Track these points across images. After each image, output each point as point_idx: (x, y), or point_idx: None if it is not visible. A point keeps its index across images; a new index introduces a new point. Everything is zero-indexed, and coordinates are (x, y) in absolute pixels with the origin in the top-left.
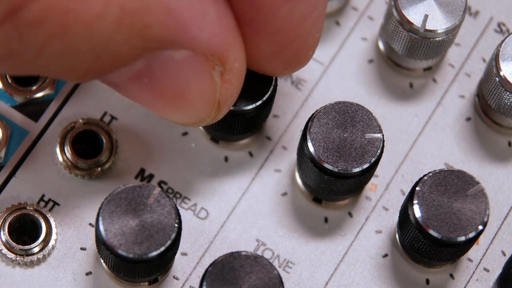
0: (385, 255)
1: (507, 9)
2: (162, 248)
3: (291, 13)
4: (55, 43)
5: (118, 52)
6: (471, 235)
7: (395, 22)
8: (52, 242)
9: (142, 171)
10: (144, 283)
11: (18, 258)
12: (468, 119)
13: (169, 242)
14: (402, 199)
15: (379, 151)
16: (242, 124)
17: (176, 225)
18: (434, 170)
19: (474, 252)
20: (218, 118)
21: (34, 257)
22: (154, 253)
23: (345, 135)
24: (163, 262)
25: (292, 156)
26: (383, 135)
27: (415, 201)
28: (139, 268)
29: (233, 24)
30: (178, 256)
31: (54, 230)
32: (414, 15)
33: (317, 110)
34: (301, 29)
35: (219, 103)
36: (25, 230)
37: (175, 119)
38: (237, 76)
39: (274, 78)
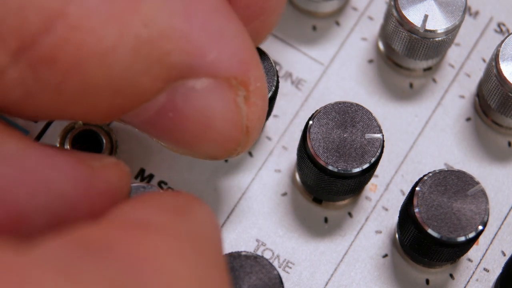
0: (385, 255)
1: (507, 9)
2: None
3: None
4: (72, 79)
5: (138, 84)
6: (471, 235)
7: (395, 22)
8: None
9: (142, 171)
10: None
11: None
12: (468, 119)
13: None
14: (402, 199)
15: (379, 151)
16: None
17: None
18: (434, 170)
19: (474, 252)
20: (248, 145)
21: None
22: None
23: (345, 135)
24: None
25: (292, 156)
26: (383, 135)
27: (415, 201)
28: None
29: (248, 40)
30: None
31: None
32: (414, 15)
33: (317, 110)
34: (269, 5)
35: (247, 128)
36: None
37: (204, 152)
38: (260, 96)
39: (276, 78)
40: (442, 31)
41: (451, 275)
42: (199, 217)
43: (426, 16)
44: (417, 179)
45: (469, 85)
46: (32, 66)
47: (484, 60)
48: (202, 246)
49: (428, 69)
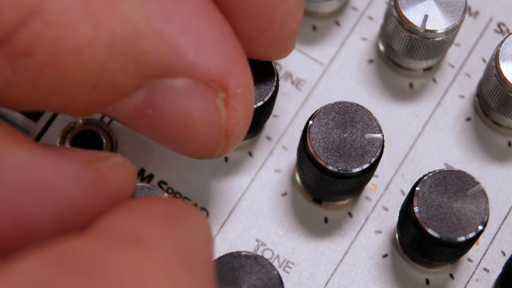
0: (385, 255)
1: (507, 9)
2: None
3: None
4: (48, 72)
5: (115, 81)
6: (471, 235)
7: (395, 22)
8: None
9: (142, 171)
10: None
11: None
12: (468, 119)
13: None
14: (402, 199)
15: (379, 151)
16: None
17: None
18: (434, 170)
19: (474, 252)
20: (228, 149)
21: None
22: None
23: (345, 135)
24: None
25: (292, 156)
26: (383, 135)
27: (415, 201)
28: None
29: (233, 47)
30: None
31: None
32: (414, 15)
33: (317, 110)
34: (275, 16)
35: (226, 132)
36: None
37: (183, 151)
38: (241, 102)
39: (276, 78)
40: (442, 31)
41: (451, 275)
42: (191, 229)
43: (426, 16)
44: (417, 179)
45: (469, 85)
46: (9, 58)
47: (484, 60)
48: (192, 261)
49: (428, 69)
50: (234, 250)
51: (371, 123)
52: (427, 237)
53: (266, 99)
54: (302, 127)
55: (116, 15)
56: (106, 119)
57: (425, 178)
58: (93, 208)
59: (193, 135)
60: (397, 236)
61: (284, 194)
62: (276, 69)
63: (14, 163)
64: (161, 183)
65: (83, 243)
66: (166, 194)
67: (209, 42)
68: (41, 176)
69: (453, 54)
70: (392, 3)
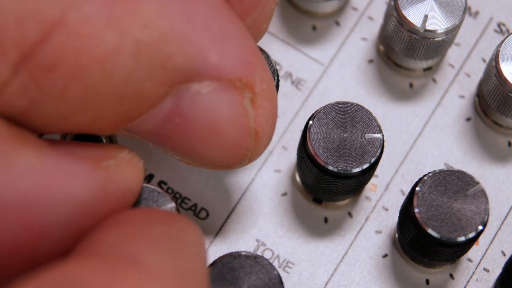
0: (385, 255)
1: (507, 9)
2: None
3: None
4: (74, 86)
5: (142, 90)
6: (471, 235)
7: (395, 22)
8: None
9: None
10: None
11: None
12: (468, 119)
13: None
14: (402, 199)
15: (379, 151)
16: None
17: None
18: (434, 170)
19: (474, 252)
20: (259, 151)
21: None
22: None
23: (345, 135)
24: None
25: (292, 156)
26: (383, 135)
27: (415, 201)
28: None
29: (251, 40)
30: None
31: None
32: (414, 15)
33: (317, 110)
34: None
35: (256, 132)
36: None
37: (214, 161)
38: (268, 98)
39: (275, 78)
40: (442, 31)
41: (451, 275)
42: (189, 250)
43: (426, 16)
44: (417, 179)
45: (469, 85)
46: (33, 75)
47: (484, 60)
48: (189, 284)
49: (428, 69)
50: (234, 250)
51: (371, 123)
52: (427, 237)
53: None
54: (302, 127)
55: (139, 20)
56: None
57: (425, 178)
58: (102, 210)
59: (222, 142)
60: (397, 236)
61: (284, 194)
62: (276, 69)
63: (23, 167)
64: (161, 183)
65: (81, 268)
66: (173, 204)
67: (231, 38)
68: (51, 180)
69: (453, 54)
70: (392, 3)
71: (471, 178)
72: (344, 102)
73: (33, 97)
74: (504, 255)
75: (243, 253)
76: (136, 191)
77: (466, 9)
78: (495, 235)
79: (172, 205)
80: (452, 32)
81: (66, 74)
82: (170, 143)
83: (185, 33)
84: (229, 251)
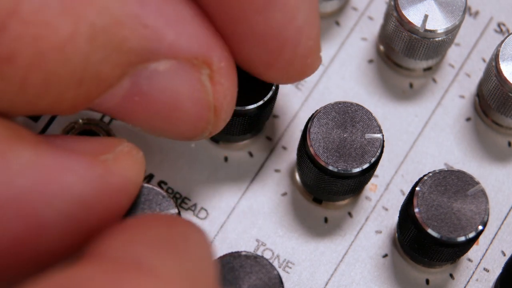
0: (385, 255)
1: (507, 9)
2: None
3: (267, 22)
4: (34, 74)
5: (100, 72)
6: (471, 235)
7: (395, 22)
8: None
9: None
10: None
11: None
12: (468, 119)
13: None
14: (402, 199)
15: (379, 151)
16: (243, 124)
17: None
18: (434, 170)
19: (474, 252)
20: (219, 125)
21: None
22: None
23: (345, 135)
24: None
25: (292, 156)
26: (383, 135)
27: (415, 201)
28: None
29: (208, 24)
30: None
31: None
32: (414, 15)
33: (317, 110)
34: (286, 37)
35: (215, 108)
36: None
37: (175, 134)
38: (226, 76)
39: None
40: (442, 31)
41: (451, 275)
42: (194, 252)
43: (426, 16)
44: (417, 179)
45: (469, 85)
46: None
47: (484, 60)
48: (198, 286)
49: (428, 69)
50: (234, 250)
51: (371, 123)
52: (427, 237)
53: (266, 98)
54: (302, 127)
55: (93, 6)
56: (106, 119)
57: (425, 178)
58: (102, 203)
59: (182, 116)
60: (397, 236)
61: (284, 194)
62: None
63: (20, 164)
64: (161, 183)
65: (88, 272)
66: (176, 210)
67: (186, 20)
68: (48, 176)
69: (453, 54)
70: (392, 3)
71: (471, 178)
72: (344, 102)
73: None
74: (504, 255)
75: (243, 253)
76: (137, 183)
77: (466, 9)
78: (495, 235)
79: (175, 211)
80: (452, 32)
81: (26, 63)
82: (132, 119)
83: (138, 17)
84: (229, 251)
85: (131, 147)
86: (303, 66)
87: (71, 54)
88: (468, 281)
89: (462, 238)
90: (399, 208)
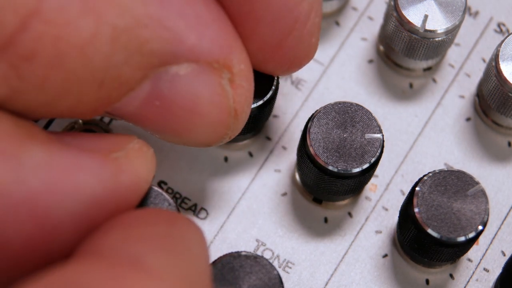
0: (385, 255)
1: (507, 9)
2: None
3: None
4: (54, 74)
5: (120, 74)
6: (471, 235)
7: (395, 22)
8: None
9: None
10: None
11: None
12: (468, 119)
13: None
14: (402, 199)
15: (379, 151)
16: None
17: None
18: (434, 170)
19: (474, 252)
20: (238, 128)
21: None
22: None
23: (345, 135)
24: None
25: (292, 156)
26: (383, 135)
27: (415, 201)
28: None
29: (229, 24)
30: None
31: None
32: (414, 15)
33: (317, 110)
34: (298, 12)
35: (235, 111)
36: None
37: (195, 140)
38: (246, 78)
39: (275, 78)
40: (442, 31)
41: (451, 275)
42: (193, 251)
43: (426, 16)
44: (417, 179)
45: (469, 85)
46: (13, 65)
47: (484, 60)
48: (194, 285)
49: (428, 69)
50: (234, 250)
51: (371, 123)
52: (427, 237)
53: (266, 98)
54: (302, 127)
55: (114, 7)
56: (106, 119)
57: (425, 178)
58: (113, 202)
59: (202, 121)
60: (397, 236)
61: (284, 194)
62: None
63: (33, 164)
64: (161, 183)
65: (84, 270)
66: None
67: (207, 22)
68: (60, 176)
69: (453, 54)
70: (392, 3)
71: (471, 178)
72: (344, 102)
73: (14, 86)
74: (504, 255)
75: (243, 253)
76: (148, 181)
77: (466, 9)
78: (495, 235)
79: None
80: (452, 32)
81: (46, 63)
82: (151, 124)
83: (160, 18)
84: (229, 251)
85: (141, 144)
86: (309, 45)
87: (92, 55)
88: (468, 281)
89: (462, 238)
90: (399, 208)
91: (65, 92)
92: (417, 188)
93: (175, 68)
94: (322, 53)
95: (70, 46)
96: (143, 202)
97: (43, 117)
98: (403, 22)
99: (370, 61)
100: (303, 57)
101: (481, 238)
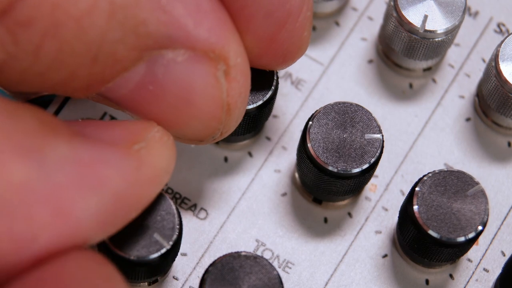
0: (385, 256)
1: (507, 9)
2: (163, 250)
3: None
4: (49, 43)
5: (115, 52)
6: (471, 235)
7: (395, 22)
8: None
9: None
10: (144, 284)
11: None
12: (468, 119)
13: (170, 244)
14: (401, 199)
15: (378, 151)
16: (243, 124)
17: (177, 226)
18: (434, 171)
19: (473, 253)
20: (230, 126)
21: None
22: (155, 255)
23: (344, 136)
24: (164, 264)
25: (292, 156)
26: (382, 136)
27: (414, 202)
28: (139, 270)
29: (227, 17)
30: (178, 256)
31: None
32: (413, 16)
33: (316, 110)
34: (291, 6)
35: (228, 105)
36: None
37: (186, 133)
38: (241, 72)
39: (275, 78)
40: (442, 31)
41: (451, 275)
42: None
43: (425, 16)
44: (417, 179)
45: (469, 85)
46: (10, 30)
47: (484, 60)
48: None
49: (428, 69)
50: (234, 250)
51: (371, 123)
52: (426, 237)
53: (265, 98)
54: (302, 127)
55: None
56: (106, 119)
57: (425, 178)
58: (135, 195)
59: (194, 112)
60: (396, 236)
61: (284, 194)
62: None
63: (56, 160)
64: None
65: None
66: (175, 210)
67: (206, 11)
68: (84, 171)
69: (453, 54)
70: (392, 3)
71: (470, 178)
72: (344, 103)
73: (10, 51)
74: (504, 255)
75: (243, 253)
76: (169, 171)
77: (466, 9)
78: (495, 235)
79: (174, 211)
80: (452, 32)
81: (42, 30)
82: (143, 111)
83: (158, 1)
84: (229, 251)
85: (162, 133)
86: (301, 39)
87: (88, 28)
88: (468, 281)
89: (461, 239)
90: (399, 209)
91: (59, 62)
92: (417, 188)
93: (171, 54)
94: (322, 53)
95: (67, 16)
96: None
97: (38, 91)
98: (403, 22)
99: (370, 61)
100: (296, 50)
101: (481, 238)
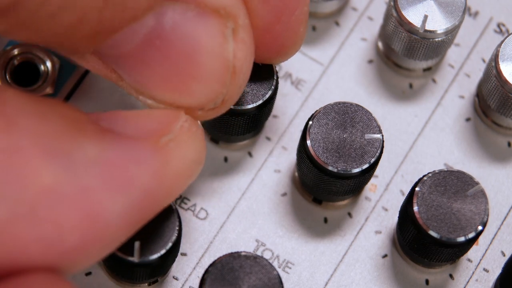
0: (385, 256)
1: (507, 9)
2: (163, 251)
3: None
4: None
5: None
6: (471, 235)
7: (395, 22)
8: None
9: None
10: (143, 284)
11: None
12: (468, 119)
13: (169, 244)
14: (401, 199)
15: (378, 151)
16: (243, 124)
17: (176, 227)
18: (434, 171)
19: (473, 253)
20: (233, 92)
21: None
22: (155, 256)
23: (344, 136)
24: (164, 265)
25: (292, 156)
26: (382, 136)
27: (414, 202)
28: (139, 271)
29: None
30: (178, 256)
31: None
32: (413, 16)
33: (316, 110)
34: None
35: (234, 68)
36: None
37: (187, 94)
38: (248, 35)
39: (275, 78)
40: (441, 31)
41: (451, 275)
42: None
43: (425, 17)
44: (417, 179)
45: (469, 85)
46: None
47: (484, 60)
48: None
49: (428, 69)
50: (234, 250)
51: (371, 123)
52: (426, 238)
53: (265, 98)
54: (302, 127)
55: None
56: None
57: (425, 178)
58: (164, 191)
59: (198, 72)
60: (396, 236)
61: (284, 194)
62: (276, 69)
63: (84, 160)
64: None
65: None
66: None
67: None
68: (113, 171)
69: (453, 54)
70: (392, 3)
71: (470, 178)
72: (344, 103)
73: None
74: (504, 255)
75: (243, 253)
76: (201, 162)
77: (466, 9)
78: (495, 235)
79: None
80: (452, 32)
81: None
82: (146, 70)
83: None
84: (229, 251)
85: (190, 123)
86: (296, 34)
87: None
88: (468, 281)
89: (461, 239)
90: (399, 209)
91: (67, 5)
92: (417, 188)
93: (181, 8)
94: (322, 53)
95: None
96: None
97: (45, 41)
98: (402, 22)
99: (370, 61)
100: (291, 45)
101: (481, 238)
